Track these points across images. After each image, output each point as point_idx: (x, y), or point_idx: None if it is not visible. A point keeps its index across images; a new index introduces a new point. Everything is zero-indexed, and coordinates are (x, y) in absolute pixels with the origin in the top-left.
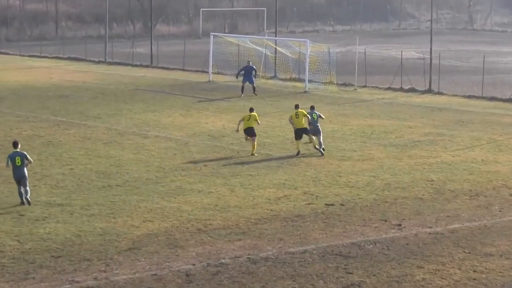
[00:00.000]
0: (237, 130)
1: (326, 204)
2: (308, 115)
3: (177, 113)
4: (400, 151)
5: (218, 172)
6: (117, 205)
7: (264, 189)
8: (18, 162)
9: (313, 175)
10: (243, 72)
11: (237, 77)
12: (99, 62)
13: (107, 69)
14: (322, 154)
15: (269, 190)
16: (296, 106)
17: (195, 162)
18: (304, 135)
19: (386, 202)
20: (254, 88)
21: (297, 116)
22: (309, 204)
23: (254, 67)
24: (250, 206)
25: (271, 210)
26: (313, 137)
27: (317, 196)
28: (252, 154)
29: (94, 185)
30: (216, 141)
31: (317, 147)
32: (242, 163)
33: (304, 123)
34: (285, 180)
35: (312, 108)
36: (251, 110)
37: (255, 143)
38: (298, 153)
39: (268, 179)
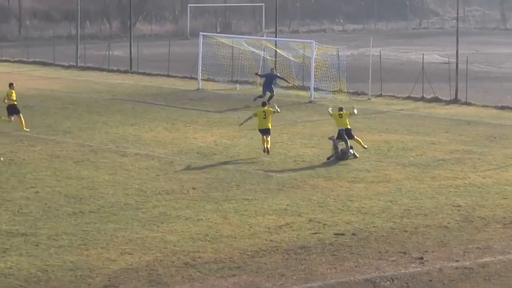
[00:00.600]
0: (241, 124)
1: (335, 234)
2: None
3: (161, 126)
4: (422, 172)
5: (209, 196)
6: (90, 235)
7: (263, 216)
8: None
9: (320, 200)
10: (263, 79)
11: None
12: (69, 67)
13: (79, 75)
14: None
15: (268, 217)
16: (340, 109)
17: (181, 184)
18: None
19: (406, 231)
20: (270, 97)
21: (340, 116)
22: (315, 233)
23: (278, 75)
24: (246, 236)
25: (270, 240)
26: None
27: (324, 224)
28: (267, 152)
29: (64, 211)
30: (206, 160)
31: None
32: (237, 186)
33: (349, 123)
34: (287, 205)
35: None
36: (264, 104)
37: (269, 140)
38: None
39: (267, 204)
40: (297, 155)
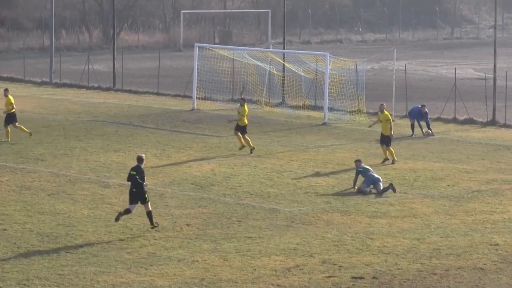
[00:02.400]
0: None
1: (353, 277)
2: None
3: (149, 153)
4: (454, 205)
5: (206, 234)
6: (67, 280)
7: (269, 257)
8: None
9: (335, 238)
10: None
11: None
12: (42, 84)
13: (54, 93)
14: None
15: (275, 258)
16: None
17: (173, 220)
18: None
19: (435, 274)
20: (427, 125)
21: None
22: (329, 277)
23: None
24: (249, 281)
25: (278, 285)
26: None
27: (340, 266)
28: (253, 148)
29: (36, 252)
30: (202, 192)
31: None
32: (239, 222)
33: (387, 130)
34: (297, 244)
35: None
36: (243, 102)
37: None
38: (384, 161)
39: (274, 243)
40: (309, 186)
